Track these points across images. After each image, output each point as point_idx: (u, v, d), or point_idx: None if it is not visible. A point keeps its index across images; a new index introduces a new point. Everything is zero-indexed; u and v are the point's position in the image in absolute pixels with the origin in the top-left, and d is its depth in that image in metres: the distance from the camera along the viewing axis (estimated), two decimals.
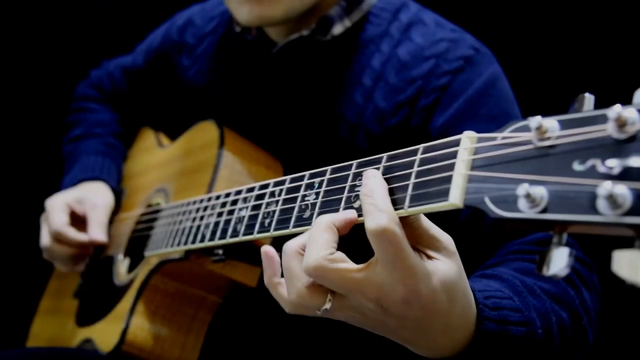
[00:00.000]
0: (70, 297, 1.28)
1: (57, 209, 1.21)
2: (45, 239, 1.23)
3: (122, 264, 1.19)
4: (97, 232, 1.19)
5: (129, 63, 1.45)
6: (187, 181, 1.11)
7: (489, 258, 0.92)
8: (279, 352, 1.13)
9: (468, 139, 0.58)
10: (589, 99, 0.54)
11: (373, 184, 0.63)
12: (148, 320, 1.03)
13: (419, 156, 0.62)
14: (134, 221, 1.22)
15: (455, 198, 0.56)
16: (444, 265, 0.63)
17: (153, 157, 1.32)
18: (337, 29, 1.09)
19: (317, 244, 0.62)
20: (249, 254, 0.97)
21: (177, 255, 0.98)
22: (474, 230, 0.94)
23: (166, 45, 1.35)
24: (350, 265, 0.61)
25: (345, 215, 0.65)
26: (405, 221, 0.62)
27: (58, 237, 1.20)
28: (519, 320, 0.73)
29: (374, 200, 0.60)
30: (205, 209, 0.93)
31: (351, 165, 0.70)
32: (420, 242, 0.64)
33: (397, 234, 0.58)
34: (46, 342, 1.31)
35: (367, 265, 0.61)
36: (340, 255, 0.62)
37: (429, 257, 0.63)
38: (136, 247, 1.15)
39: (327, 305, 0.64)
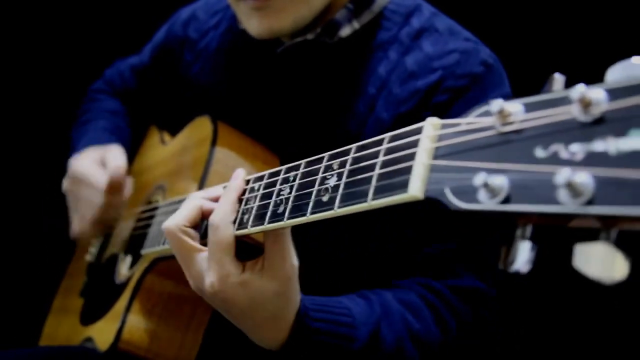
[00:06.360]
0: (77, 296, 1.29)
1: (92, 170, 1.19)
2: (96, 196, 1.18)
3: (123, 262, 1.18)
4: (115, 167, 1.16)
5: (137, 62, 1.45)
6: (182, 178, 1.10)
7: (405, 278, 0.96)
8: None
9: (431, 126, 0.55)
10: (558, 79, 0.50)
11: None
12: (144, 318, 1.02)
13: (384, 146, 0.59)
14: (135, 219, 1.21)
15: (415, 189, 0.52)
16: (263, 281, 0.74)
17: (156, 154, 1.31)
18: (345, 31, 1.04)
19: (182, 213, 0.79)
20: (239, 250, 0.95)
21: (169, 252, 0.97)
22: (405, 261, 0.97)
23: (170, 40, 1.34)
24: (193, 243, 0.77)
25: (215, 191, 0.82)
26: (273, 233, 0.73)
27: (114, 188, 1.16)
28: (342, 333, 0.81)
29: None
30: None
31: (323, 158, 0.67)
32: (268, 254, 0.75)
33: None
34: (57, 341, 1.31)
35: (202, 252, 0.77)
36: (192, 232, 0.78)
37: (262, 269, 0.75)
38: (136, 245, 1.15)
39: None
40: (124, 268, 1.17)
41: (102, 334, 1.07)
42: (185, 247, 0.77)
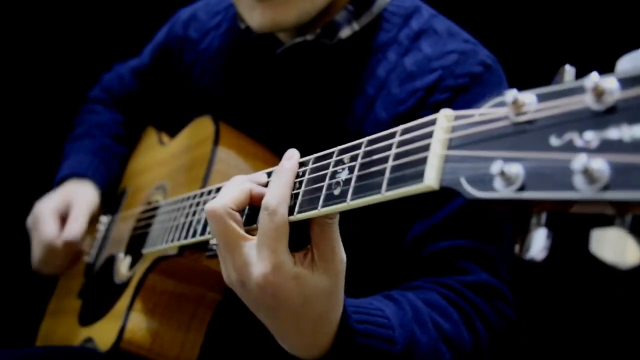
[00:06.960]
0: (75, 297, 1.28)
1: (46, 218, 1.20)
2: (38, 246, 1.21)
3: (123, 263, 1.18)
4: (69, 231, 1.18)
5: (138, 63, 1.45)
6: (183, 177, 1.10)
7: (414, 280, 0.93)
8: (280, 349, 1.10)
9: (445, 118, 0.56)
10: (569, 71, 0.51)
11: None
12: (146, 318, 1.02)
13: (397, 138, 0.60)
14: (134, 219, 1.21)
15: (430, 179, 0.53)
16: (315, 276, 0.67)
17: (154, 155, 1.32)
18: (345, 33, 1.05)
19: (229, 194, 0.69)
20: None
21: (172, 251, 0.97)
22: (414, 258, 0.96)
23: (170, 40, 1.34)
24: (239, 229, 0.68)
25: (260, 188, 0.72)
26: (319, 221, 0.67)
27: (52, 249, 1.19)
28: (385, 336, 0.76)
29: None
30: (198, 204, 0.91)
31: (333, 153, 0.68)
32: (318, 247, 0.68)
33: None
34: (54, 343, 1.30)
35: (249, 239, 0.68)
36: (239, 216, 0.69)
37: (312, 262, 0.68)
38: (136, 245, 1.15)
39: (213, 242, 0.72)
40: (123, 268, 1.17)
41: (103, 334, 1.07)
42: (232, 232, 0.68)
